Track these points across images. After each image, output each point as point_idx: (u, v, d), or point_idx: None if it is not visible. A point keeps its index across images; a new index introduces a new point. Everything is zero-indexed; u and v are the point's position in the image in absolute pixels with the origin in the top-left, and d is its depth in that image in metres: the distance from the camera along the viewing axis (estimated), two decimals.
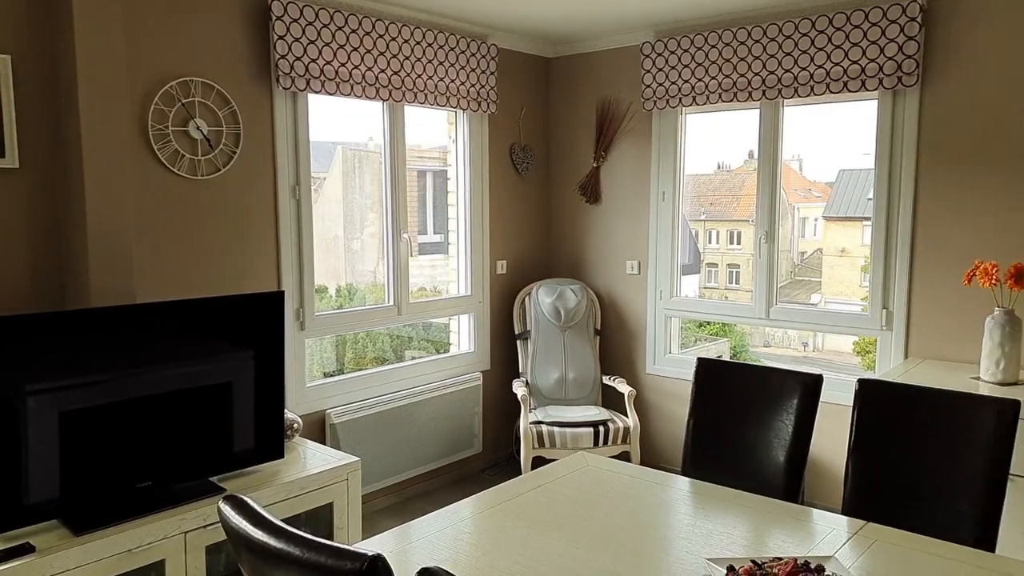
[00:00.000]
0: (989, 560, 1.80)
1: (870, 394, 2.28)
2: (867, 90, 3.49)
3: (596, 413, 4.08)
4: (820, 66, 3.58)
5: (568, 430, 3.91)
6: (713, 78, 3.91)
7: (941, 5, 3.34)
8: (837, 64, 3.53)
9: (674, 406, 4.33)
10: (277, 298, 2.79)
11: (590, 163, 4.57)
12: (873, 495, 2.21)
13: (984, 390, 2.91)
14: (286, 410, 2.96)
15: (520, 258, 4.65)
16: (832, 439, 3.66)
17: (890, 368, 3.46)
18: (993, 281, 2.92)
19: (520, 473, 3.79)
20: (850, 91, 3.52)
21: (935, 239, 3.45)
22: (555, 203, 4.79)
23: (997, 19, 3.22)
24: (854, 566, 1.74)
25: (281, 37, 3.24)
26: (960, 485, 2.08)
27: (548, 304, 4.38)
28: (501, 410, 4.56)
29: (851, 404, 2.31)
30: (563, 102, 4.68)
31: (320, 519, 2.84)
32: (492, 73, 4.18)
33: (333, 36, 3.42)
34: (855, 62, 3.48)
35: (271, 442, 2.81)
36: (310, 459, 2.93)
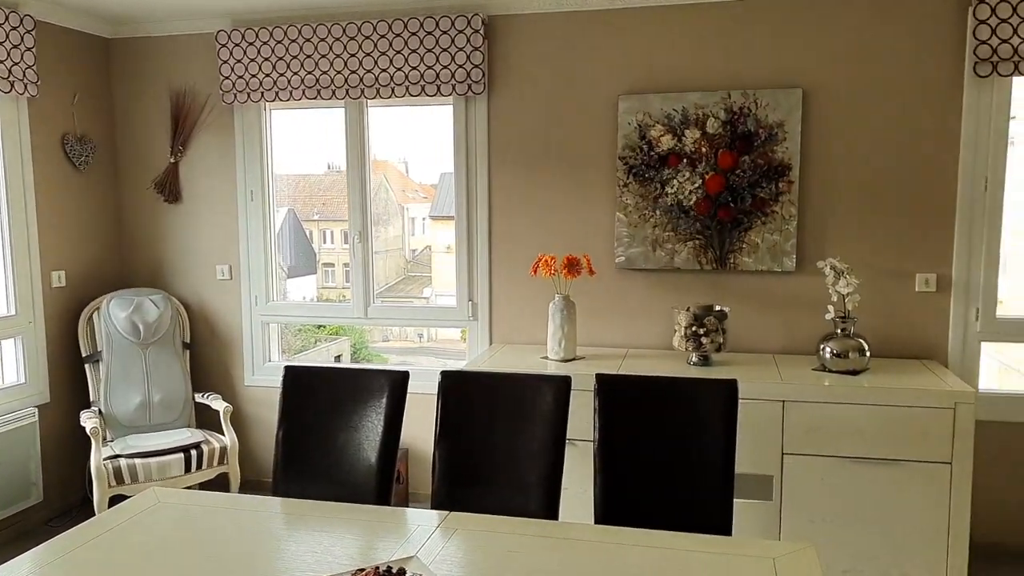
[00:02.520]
0: (553, 528, 1.96)
1: (450, 385, 2.36)
2: (443, 95, 3.67)
3: (187, 436, 3.68)
4: (399, 69, 3.66)
5: (152, 460, 3.46)
6: (296, 73, 3.78)
7: (499, 21, 3.65)
8: (415, 68, 3.65)
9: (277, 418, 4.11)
10: None
11: (167, 158, 4.10)
12: (457, 483, 2.29)
13: (551, 367, 3.25)
14: None
15: (84, 267, 4.00)
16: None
17: (477, 355, 3.70)
18: (552, 271, 3.28)
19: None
20: (428, 95, 3.67)
21: (507, 235, 3.77)
22: (127, 203, 4.22)
23: (544, 36, 3.61)
24: (435, 560, 1.75)
25: None
26: (529, 460, 2.26)
27: (123, 319, 3.83)
28: (69, 448, 3.87)
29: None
30: (130, 89, 4.13)
31: None
32: (28, 49, 3.49)
33: None
34: (430, 67, 3.63)
35: None
36: None
